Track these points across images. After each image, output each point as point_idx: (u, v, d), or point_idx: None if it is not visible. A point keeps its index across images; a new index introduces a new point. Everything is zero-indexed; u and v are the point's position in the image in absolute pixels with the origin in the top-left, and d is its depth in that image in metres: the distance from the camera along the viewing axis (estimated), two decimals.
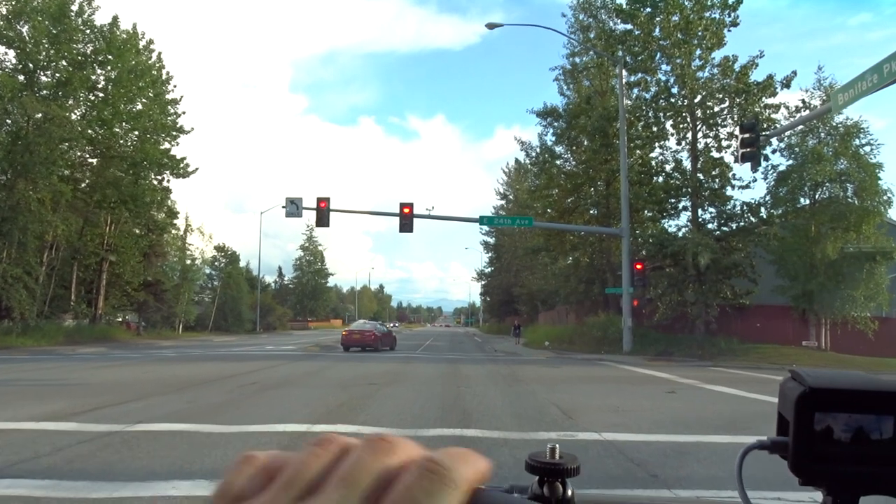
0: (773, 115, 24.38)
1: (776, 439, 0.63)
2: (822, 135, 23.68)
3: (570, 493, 0.64)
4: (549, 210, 32.96)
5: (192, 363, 19.46)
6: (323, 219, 25.41)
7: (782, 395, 0.63)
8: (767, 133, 16.47)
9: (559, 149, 33.67)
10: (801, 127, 23.64)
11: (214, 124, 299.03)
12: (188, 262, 51.26)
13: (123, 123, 36.72)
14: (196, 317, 52.93)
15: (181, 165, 40.01)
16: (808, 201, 24.31)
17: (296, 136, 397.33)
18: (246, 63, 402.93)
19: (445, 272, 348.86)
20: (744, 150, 13.85)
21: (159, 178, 39.94)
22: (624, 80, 27.15)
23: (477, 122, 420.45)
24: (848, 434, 0.59)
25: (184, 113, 40.25)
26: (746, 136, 13.77)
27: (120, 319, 44.93)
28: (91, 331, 36.64)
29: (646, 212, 29.21)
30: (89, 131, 34.77)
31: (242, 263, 73.11)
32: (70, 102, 33.47)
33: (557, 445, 0.66)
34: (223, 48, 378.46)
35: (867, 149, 23.10)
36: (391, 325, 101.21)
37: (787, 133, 22.98)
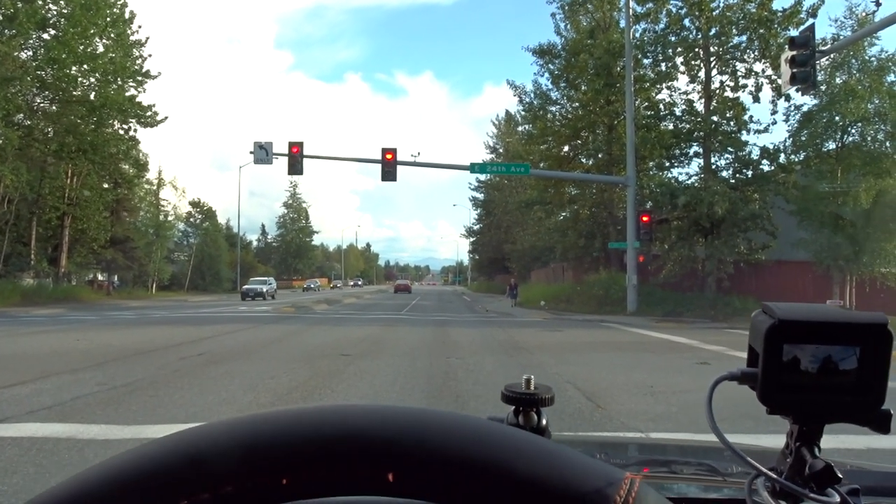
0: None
1: (746, 370, 0.64)
2: (854, 70, 21.21)
3: (544, 422, 0.71)
4: (542, 164, 30.42)
5: (142, 328, 17.08)
6: (296, 165, 22.75)
7: (753, 328, 0.64)
8: (825, 49, 14.00)
9: (555, 94, 31.00)
10: (827, 61, 21.15)
11: (199, 80, 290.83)
12: (161, 218, 48.44)
13: (82, 66, 33.56)
14: (171, 275, 50.43)
15: (148, 114, 36.91)
16: (834, 145, 21.96)
17: (281, 92, 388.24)
18: (230, 17, 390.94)
19: (433, 230, 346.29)
20: (795, 70, 11.47)
21: (125, 126, 36.89)
22: (631, 12, 24.38)
23: (465, 79, 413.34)
24: (815, 365, 0.61)
25: (150, 56, 37.07)
26: (799, 52, 11.37)
27: (90, 278, 42.37)
28: (53, 290, 34.14)
29: (651, 160, 26.73)
30: (40, 72, 31.57)
31: (227, 221, 70.53)
32: (18, 40, 30.23)
33: (532, 377, 0.72)
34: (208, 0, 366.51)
35: None
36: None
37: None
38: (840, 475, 0.60)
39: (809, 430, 0.64)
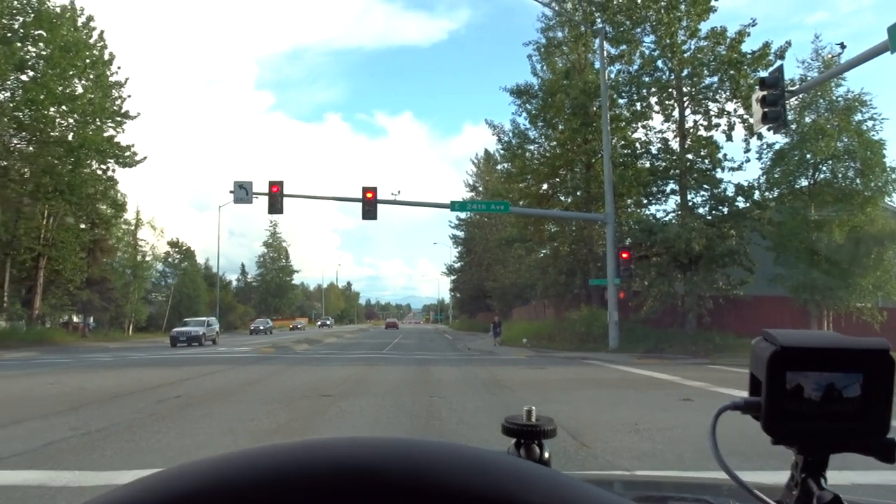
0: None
1: (749, 399, 0.62)
2: (822, 109, 21.82)
3: (546, 454, 0.68)
4: (521, 202, 30.72)
5: (118, 370, 16.74)
6: (276, 205, 22.73)
7: (754, 355, 0.63)
8: (794, 89, 14.41)
9: (533, 133, 31.45)
10: (796, 101, 21.74)
11: (178, 121, 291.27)
12: (139, 258, 47.92)
13: (61, 107, 33.48)
14: (148, 316, 49.67)
15: (127, 154, 36.78)
16: (806, 182, 22.45)
17: (262, 133, 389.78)
18: (210, 59, 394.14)
19: (414, 269, 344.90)
20: (766, 110, 11.80)
21: (103, 166, 36.70)
22: (605, 53, 24.99)
23: (445, 118, 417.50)
24: (818, 392, 0.59)
25: (129, 97, 37.12)
26: (769, 92, 11.71)
27: (65, 320, 41.61)
28: (26, 333, 33.37)
29: (629, 197, 27.08)
30: (17, 113, 31.44)
31: (205, 261, 70.02)
32: None
33: (534, 408, 0.71)
34: (187, 42, 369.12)
35: (870, 124, 21.30)
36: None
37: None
38: None
39: (815, 460, 0.62)
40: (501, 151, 35.20)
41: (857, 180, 21.67)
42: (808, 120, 22.38)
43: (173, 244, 57.47)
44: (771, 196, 23.70)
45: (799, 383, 0.59)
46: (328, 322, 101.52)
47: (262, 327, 56.42)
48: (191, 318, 38.95)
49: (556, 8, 28.51)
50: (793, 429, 0.60)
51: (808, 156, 21.49)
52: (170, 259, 57.09)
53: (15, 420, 8.11)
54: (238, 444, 6.68)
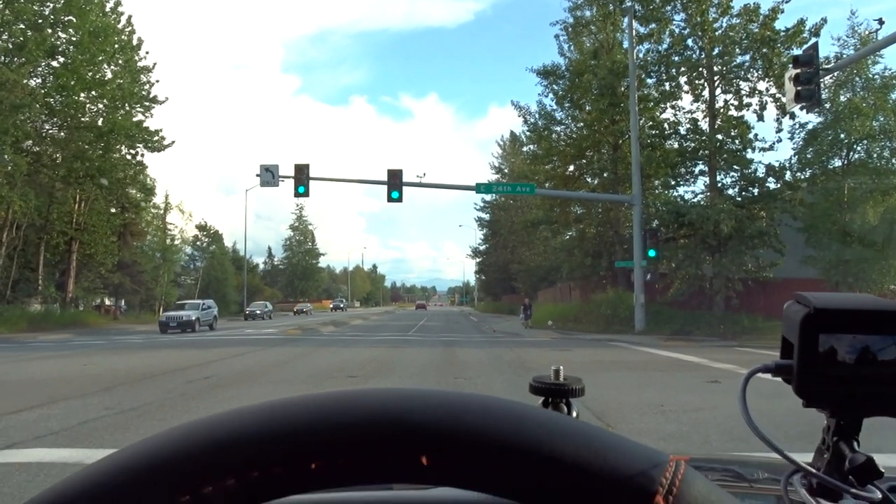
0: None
1: (780, 362, 0.62)
2: (858, 88, 21.29)
3: (575, 413, 0.69)
4: (547, 184, 30.52)
5: (149, 351, 17.09)
6: (301, 188, 22.86)
7: (786, 318, 0.62)
8: (829, 67, 14.07)
9: (560, 114, 31.15)
10: (831, 79, 21.21)
11: (206, 105, 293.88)
12: (168, 241, 48.69)
13: (91, 92, 33.96)
14: (178, 299, 50.50)
15: (155, 138, 37.23)
16: (839, 162, 21.98)
17: (288, 116, 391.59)
18: (237, 43, 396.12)
19: (439, 251, 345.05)
20: (799, 88, 11.55)
21: (132, 151, 37.23)
22: (634, 32, 24.58)
23: (470, 100, 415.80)
24: (852, 355, 0.58)
25: (157, 81, 37.49)
26: (803, 70, 11.46)
27: (97, 303, 42.53)
28: (60, 316, 34.17)
29: (657, 179, 26.75)
30: (49, 99, 31.95)
31: (233, 244, 70.87)
32: (27, 68, 30.62)
33: (562, 367, 0.71)
34: (215, 27, 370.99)
35: None
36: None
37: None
38: (882, 470, 0.57)
39: (847, 423, 0.61)
40: (527, 133, 34.93)
41: (893, 160, 21.18)
42: (842, 99, 21.91)
43: (201, 227, 58.34)
44: (803, 177, 23.27)
45: (832, 346, 0.58)
46: (342, 304, 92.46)
47: (258, 311, 49.63)
48: (187, 301, 36.50)
49: None
50: (825, 392, 0.59)
51: (843, 135, 21.06)
52: (198, 242, 58.00)
53: (52, 399, 8.32)
54: None
